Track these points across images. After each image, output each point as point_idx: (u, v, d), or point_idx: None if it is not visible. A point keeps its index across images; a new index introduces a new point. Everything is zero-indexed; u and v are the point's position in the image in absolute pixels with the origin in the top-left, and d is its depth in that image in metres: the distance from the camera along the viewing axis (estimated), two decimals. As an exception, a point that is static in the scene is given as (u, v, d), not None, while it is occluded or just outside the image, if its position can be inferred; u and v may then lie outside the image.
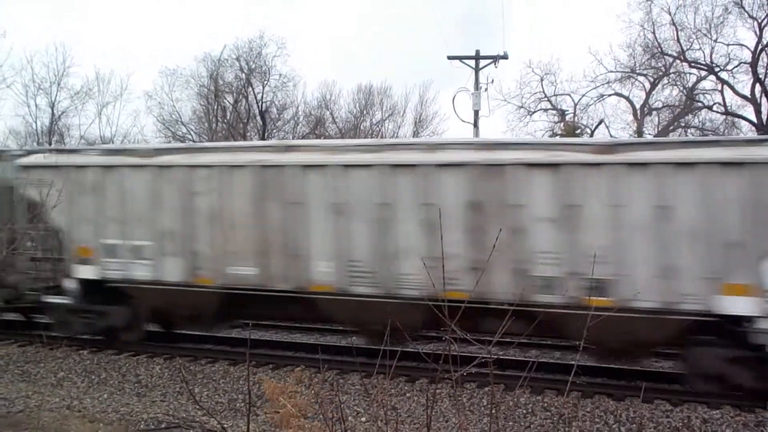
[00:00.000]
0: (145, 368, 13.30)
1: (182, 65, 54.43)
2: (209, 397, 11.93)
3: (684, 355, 11.30)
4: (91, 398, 11.81)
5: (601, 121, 35.64)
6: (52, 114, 41.47)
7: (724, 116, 32.83)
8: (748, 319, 10.14)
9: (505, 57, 30.34)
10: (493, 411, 6.88)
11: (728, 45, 31.44)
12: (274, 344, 15.14)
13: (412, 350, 8.59)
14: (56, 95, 41.51)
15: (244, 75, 41.03)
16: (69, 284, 14.26)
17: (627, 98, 35.31)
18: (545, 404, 10.91)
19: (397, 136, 44.19)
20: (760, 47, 30.34)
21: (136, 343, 14.33)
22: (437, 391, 10.78)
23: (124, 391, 12.34)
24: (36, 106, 41.44)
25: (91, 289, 14.14)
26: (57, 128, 42.29)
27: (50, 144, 39.31)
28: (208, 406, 11.41)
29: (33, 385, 12.47)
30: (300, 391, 8.92)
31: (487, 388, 11.35)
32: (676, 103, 34.61)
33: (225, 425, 9.61)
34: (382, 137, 43.22)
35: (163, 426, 10.23)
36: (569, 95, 36.09)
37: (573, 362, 11.86)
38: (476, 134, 29.35)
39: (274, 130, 42.16)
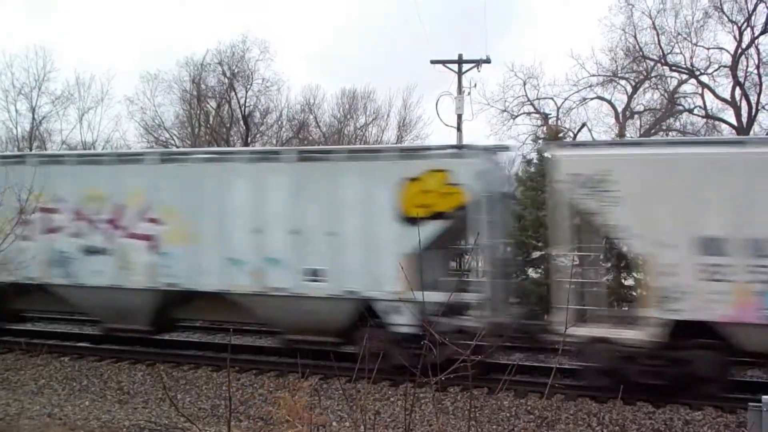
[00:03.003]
0: (127, 375, 13.20)
1: (164, 70, 54.07)
2: (192, 403, 11.86)
3: None
4: (72, 405, 11.71)
5: (583, 125, 35.77)
6: (33, 119, 41.12)
7: (704, 119, 33.07)
8: None
9: (487, 61, 30.39)
10: (472, 414, 6.85)
11: (708, 49, 31.68)
12: (257, 350, 15.08)
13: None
14: (37, 100, 41.16)
15: (226, 79, 40.86)
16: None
17: (609, 102, 35.47)
18: (528, 407, 10.93)
19: (380, 141, 44.18)
20: (739, 51, 30.60)
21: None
22: (419, 395, 10.78)
23: (106, 398, 12.24)
24: (16, 111, 41.07)
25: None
26: (38, 133, 41.92)
27: (31, 150, 38.99)
28: (191, 412, 11.33)
29: (13, 392, 12.34)
30: (283, 396, 8.87)
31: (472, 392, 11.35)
32: (658, 107, 34.85)
33: (207, 431, 9.56)
34: (365, 142, 43.19)
35: (145, 433, 10.15)
36: (552, 99, 36.16)
37: (553, 365, 11.89)
38: (459, 138, 29.38)
39: (258, 135, 42.01)
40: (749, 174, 10.36)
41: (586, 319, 11.49)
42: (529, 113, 36.88)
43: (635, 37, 32.96)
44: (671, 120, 34.66)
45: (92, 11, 66.30)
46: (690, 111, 33.47)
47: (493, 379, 11.56)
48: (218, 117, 42.22)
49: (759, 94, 30.37)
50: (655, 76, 34.03)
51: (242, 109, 40.80)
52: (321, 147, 24.60)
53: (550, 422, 10.50)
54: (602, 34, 45.78)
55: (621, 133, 33.42)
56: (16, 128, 41.25)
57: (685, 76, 33.01)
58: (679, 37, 32.03)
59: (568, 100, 35.33)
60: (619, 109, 35.15)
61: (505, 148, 14.90)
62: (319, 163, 12.99)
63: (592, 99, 35.24)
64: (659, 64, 33.24)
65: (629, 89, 34.89)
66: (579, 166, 11.27)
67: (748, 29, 30.31)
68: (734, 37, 30.84)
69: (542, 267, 13.20)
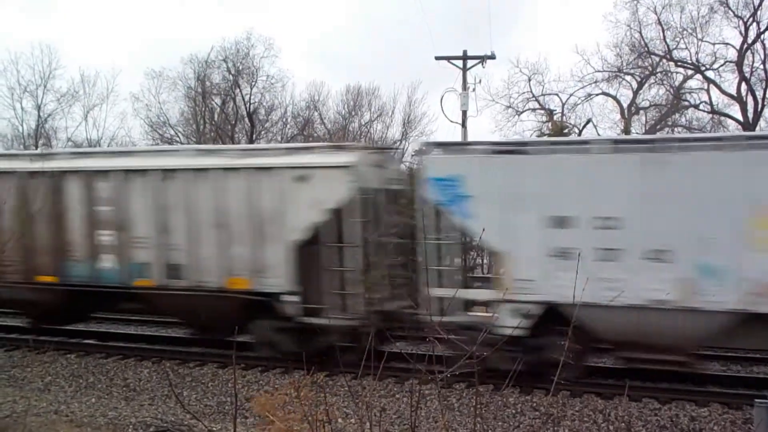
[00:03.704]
0: (133, 372, 13.23)
1: (168, 67, 54.15)
2: (198, 400, 11.88)
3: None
4: (79, 402, 11.75)
5: (588, 121, 35.74)
6: (39, 116, 41.20)
7: (710, 115, 33.00)
8: None
9: (492, 57, 30.37)
10: (478, 411, 6.84)
11: (714, 44, 31.66)
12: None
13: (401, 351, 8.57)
14: (42, 97, 41.26)
15: (231, 76, 40.88)
16: None
17: (614, 98, 35.44)
18: (534, 404, 10.93)
19: (385, 138, 44.16)
20: (745, 46, 30.53)
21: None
22: (425, 392, 10.78)
23: (112, 395, 12.27)
24: (22, 108, 41.16)
25: None
26: (44, 131, 42.01)
27: (36, 148, 39.05)
28: (197, 409, 11.37)
29: (20, 389, 12.38)
30: (288, 393, 8.88)
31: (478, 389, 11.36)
32: (663, 102, 34.77)
33: (213, 428, 9.58)
34: (370, 139, 43.18)
35: (151, 430, 10.18)
36: (557, 95, 36.19)
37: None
38: (465, 135, 29.37)
39: (263, 132, 42.05)
40: None
41: None
42: (534, 109, 36.92)
43: (640, 32, 32.99)
44: (677, 116, 34.60)
45: (92, 11, 66.47)
46: (696, 107, 33.44)
47: (498, 376, 11.55)
48: (223, 114, 42.26)
49: (765, 90, 30.36)
50: (661, 72, 34.01)
51: (247, 106, 40.85)
52: None
53: (555, 419, 10.49)
54: (607, 29, 45.74)
55: (626, 129, 33.38)
56: (22, 126, 41.37)
57: (690, 72, 32.98)
58: (685, 32, 32.03)
59: (573, 95, 35.38)
60: (625, 105, 35.14)
61: None
62: None
63: (597, 95, 35.29)
64: (664, 60, 33.21)
65: (634, 85, 34.90)
66: None
67: (754, 24, 30.30)
68: (740, 32, 30.82)
69: None
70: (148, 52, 62.41)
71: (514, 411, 10.78)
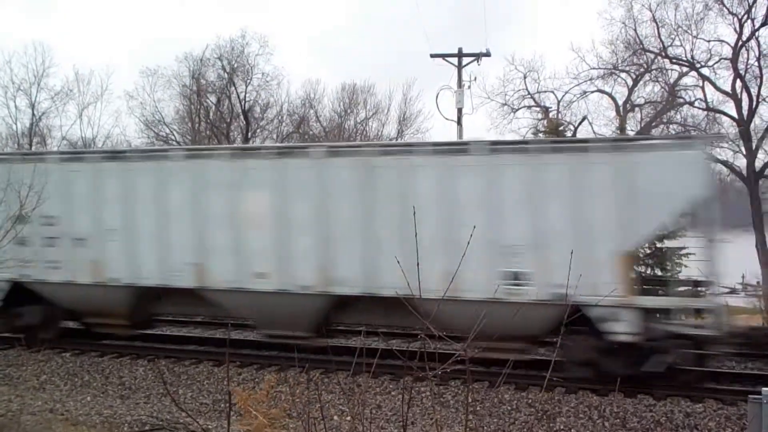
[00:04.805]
0: (129, 370, 13.22)
1: (163, 65, 54.09)
2: (193, 398, 11.87)
3: None
4: (74, 401, 11.73)
5: (584, 118, 35.68)
6: (33, 115, 41.08)
7: (705, 112, 33.00)
8: None
9: (487, 54, 30.34)
10: (469, 408, 6.85)
11: (709, 41, 31.59)
12: (259, 344, 15.07)
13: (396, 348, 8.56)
14: (36, 96, 41.14)
15: (226, 74, 40.80)
16: None
17: (610, 95, 35.37)
18: (529, 400, 10.94)
19: (380, 136, 44.12)
20: (740, 43, 30.52)
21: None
22: (420, 388, 10.79)
23: (108, 394, 12.26)
24: (16, 107, 41.04)
25: None
26: (38, 129, 41.91)
27: (31, 146, 38.97)
28: (192, 407, 11.36)
29: (14, 388, 12.34)
30: (283, 390, 8.88)
31: (471, 386, 11.37)
32: (659, 99, 34.76)
33: (208, 426, 9.58)
34: (366, 137, 43.15)
35: (147, 428, 10.17)
36: (552, 92, 36.11)
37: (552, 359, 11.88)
38: (460, 132, 29.36)
39: (258, 130, 42.00)
40: None
41: None
42: (529, 107, 36.80)
43: (635, 29, 32.90)
44: (672, 113, 34.60)
45: (92, 10, 66.40)
46: (691, 104, 33.40)
47: (494, 373, 11.57)
48: (218, 112, 42.17)
49: (759, 87, 30.30)
50: (656, 69, 33.97)
51: (242, 104, 40.77)
52: None
53: (551, 415, 10.51)
54: (602, 27, 45.56)
55: (621, 126, 33.37)
56: (16, 124, 41.27)
57: (685, 69, 32.93)
58: (680, 29, 31.96)
59: (568, 93, 35.25)
60: (620, 102, 35.10)
61: None
62: None
63: (592, 92, 35.18)
64: (660, 57, 33.18)
65: (630, 82, 34.83)
66: None
67: (749, 21, 30.23)
68: (735, 29, 30.77)
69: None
70: (147, 52, 62.52)
71: (509, 407, 10.79)
